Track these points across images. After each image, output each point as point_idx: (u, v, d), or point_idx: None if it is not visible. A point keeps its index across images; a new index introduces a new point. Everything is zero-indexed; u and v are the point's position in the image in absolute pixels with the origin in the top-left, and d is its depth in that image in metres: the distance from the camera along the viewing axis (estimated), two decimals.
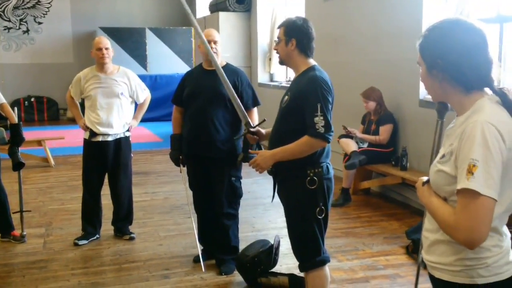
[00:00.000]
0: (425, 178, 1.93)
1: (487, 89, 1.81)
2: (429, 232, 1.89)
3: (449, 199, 1.78)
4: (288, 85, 3.42)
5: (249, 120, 3.60)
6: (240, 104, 3.69)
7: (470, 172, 1.64)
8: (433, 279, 1.89)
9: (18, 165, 4.84)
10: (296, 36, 3.06)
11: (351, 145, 6.10)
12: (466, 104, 1.79)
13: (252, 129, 3.45)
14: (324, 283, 3.18)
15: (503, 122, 1.71)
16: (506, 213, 1.79)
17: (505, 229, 1.84)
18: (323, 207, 3.03)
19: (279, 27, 3.17)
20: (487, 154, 1.64)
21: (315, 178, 2.99)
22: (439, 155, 1.85)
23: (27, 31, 14.35)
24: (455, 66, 1.77)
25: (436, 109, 2.14)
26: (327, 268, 3.19)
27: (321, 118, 2.90)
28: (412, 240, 4.65)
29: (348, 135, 6.21)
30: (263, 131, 3.44)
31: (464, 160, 1.67)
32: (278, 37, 3.15)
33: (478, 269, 1.77)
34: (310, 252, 3.12)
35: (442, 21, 1.86)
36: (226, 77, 3.66)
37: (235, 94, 3.68)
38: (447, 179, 1.76)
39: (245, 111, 3.65)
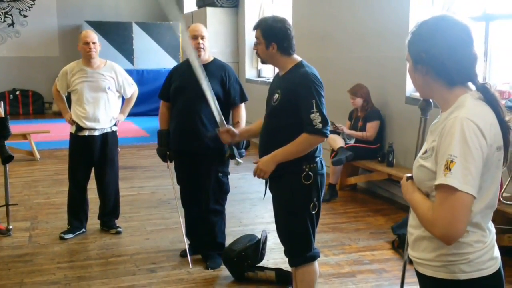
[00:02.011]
0: (409, 174, 1.94)
1: (471, 85, 1.82)
2: (413, 228, 1.91)
3: (431, 194, 1.79)
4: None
5: (223, 119, 3.57)
6: (215, 99, 3.58)
7: (447, 168, 1.65)
8: (418, 274, 1.91)
9: (7, 159, 4.81)
10: (276, 41, 3.02)
11: (338, 141, 6.13)
12: (449, 99, 1.80)
13: (223, 129, 3.42)
14: (314, 278, 3.19)
15: (483, 118, 1.71)
16: (489, 209, 1.80)
17: (490, 225, 1.85)
18: (316, 202, 3.05)
19: (255, 28, 3.11)
20: (466, 150, 1.65)
21: (310, 173, 3.00)
22: (422, 151, 1.86)
23: (12, 24, 14.20)
24: (438, 60, 1.78)
25: (419, 107, 2.17)
26: (316, 263, 3.20)
27: (317, 114, 2.90)
28: (397, 236, 4.69)
29: (335, 131, 6.24)
30: (235, 130, 3.42)
31: (443, 156, 1.68)
32: (257, 38, 3.09)
33: (460, 264, 1.77)
34: (301, 248, 3.13)
35: (432, 17, 1.88)
36: (201, 73, 3.51)
37: (211, 92, 3.56)
38: (429, 174, 1.77)
39: (219, 109, 3.57)
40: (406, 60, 1.92)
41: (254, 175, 3.09)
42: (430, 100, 2.15)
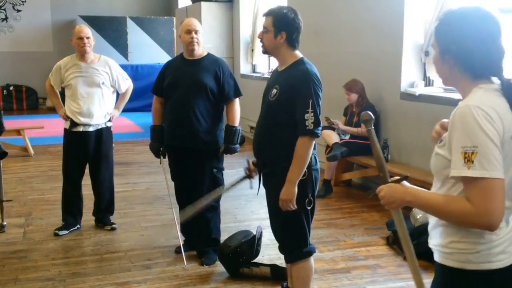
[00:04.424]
0: (393, 178, 1.94)
1: (495, 79, 1.80)
2: (430, 217, 1.90)
3: (446, 181, 1.79)
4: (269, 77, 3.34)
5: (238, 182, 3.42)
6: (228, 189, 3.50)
7: (469, 160, 1.65)
8: (435, 263, 1.90)
9: (1, 155, 4.79)
10: (286, 30, 2.99)
11: (333, 137, 6.13)
12: (468, 91, 1.79)
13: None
14: (309, 274, 3.20)
15: (491, 106, 1.70)
16: (508, 200, 1.75)
17: (510, 218, 1.82)
18: (311, 198, 3.05)
19: (266, 15, 3.06)
20: (482, 137, 1.64)
21: (305, 169, 3.00)
22: (439, 140, 1.85)
23: (6, 18, 14.13)
24: (467, 53, 1.76)
25: (362, 119, 2.18)
26: (312, 259, 3.21)
27: (312, 114, 2.89)
28: (392, 231, 4.70)
29: (330, 127, 6.24)
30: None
31: (457, 147, 1.68)
32: (265, 27, 3.04)
33: (468, 254, 1.77)
34: (297, 243, 3.13)
35: (460, 7, 1.86)
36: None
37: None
38: (444, 162, 1.77)
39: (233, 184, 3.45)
40: (431, 47, 1.89)
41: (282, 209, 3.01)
42: (370, 113, 2.17)
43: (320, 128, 2.96)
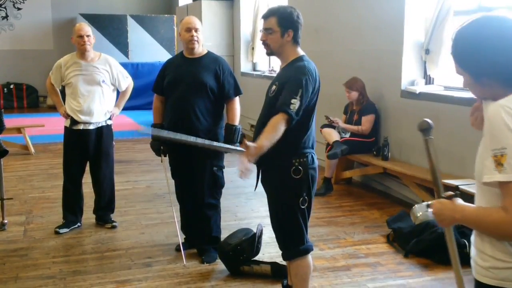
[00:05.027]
0: (446, 194, 1.82)
1: None
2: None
3: (485, 190, 1.70)
4: (273, 75, 3.36)
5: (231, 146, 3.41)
6: (221, 145, 3.47)
7: (499, 164, 1.56)
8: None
9: (2, 153, 4.79)
10: (293, 28, 3.02)
11: (333, 135, 6.13)
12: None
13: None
14: (307, 272, 3.20)
15: None
16: None
17: None
18: (306, 197, 3.04)
19: (268, 17, 3.05)
20: (510, 136, 1.55)
21: (300, 167, 3.00)
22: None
23: (6, 16, 14.12)
24: (506, 70, 1.65)
25: (419, 128, 1.95)
26: (310, 257, 3.21)
27: (298, 102, 2.87)
28: (392, 229, 4.70)
29: (331, 125, 6.24)
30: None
31: (488, 150, 1.59)
32: (268, 28, 3.03)
33: (507, 270, 1.67)
34: (293, 241, 3.13)
35: (470, 22, 1.72)
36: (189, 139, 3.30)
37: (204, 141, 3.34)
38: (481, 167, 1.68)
39: (229, 146, 3.41)
40: (458, 74, 1.75)
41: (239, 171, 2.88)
42: (429, 121, 1.94)
43: (297, 118, 2.88)
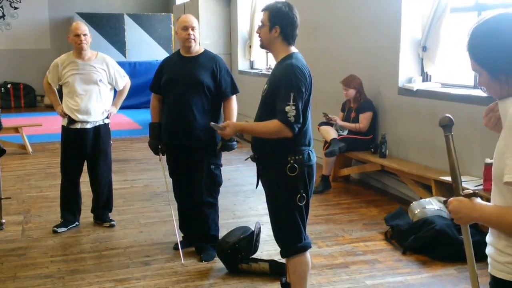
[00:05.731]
0: (464, 192, 1.81)
1: None
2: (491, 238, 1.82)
3: (504, 190, 1.69)
4: (269, 73, 3.38)
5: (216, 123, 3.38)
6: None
7: None
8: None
9: (0, 152, 4.79)
10: (280, 24, 3.02)
11: (331, 133, 6.13)
12: None
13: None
14: (305, 269, 3.20)
15: None
16: None
17: None
18: (304, 194, 3.04)
19: (264, 10, 3.11)
20: None
21: (296, 165, 3.00)
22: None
23: (3, 16, 14.09)
24: None
25: (441, 124, 1.92)
26: (308, 254, 3.21)
27: (293, 108, 2.89)
28: (390, 226, 4.71)
29: (328, 123, 6.25)
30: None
31: (509, 149, 1.58)
32: (261, 21, 3.10)
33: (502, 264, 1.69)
34: (291, 239, 3.14)
35: (488, 19, 1.70)
36: None
37: None
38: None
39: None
40: (473, 71, 1.75)
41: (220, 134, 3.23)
42: (450, 116, 1.94)
43: (299, 125, 2.92)
